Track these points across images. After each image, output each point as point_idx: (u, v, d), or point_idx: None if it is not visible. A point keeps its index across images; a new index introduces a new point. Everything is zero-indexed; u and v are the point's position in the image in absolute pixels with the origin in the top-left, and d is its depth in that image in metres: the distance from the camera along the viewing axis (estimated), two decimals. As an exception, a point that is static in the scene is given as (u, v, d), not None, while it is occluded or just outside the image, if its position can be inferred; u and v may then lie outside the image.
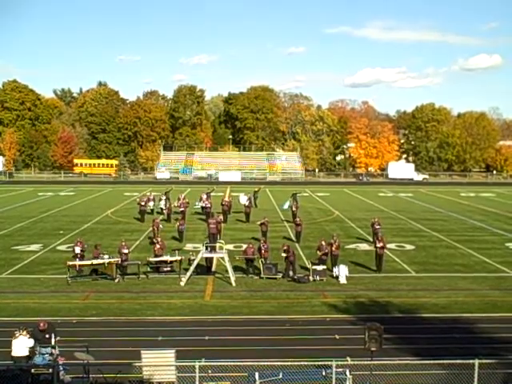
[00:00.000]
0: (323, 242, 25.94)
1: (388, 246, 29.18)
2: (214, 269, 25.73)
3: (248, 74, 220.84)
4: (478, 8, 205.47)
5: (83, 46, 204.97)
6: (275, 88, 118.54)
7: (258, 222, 33.49)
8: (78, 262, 24.55)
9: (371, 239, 32.63)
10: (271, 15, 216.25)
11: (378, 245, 26.00)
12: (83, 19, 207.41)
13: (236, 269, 25.32)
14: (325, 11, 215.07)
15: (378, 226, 31.77)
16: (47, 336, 13.96)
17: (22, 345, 13.69)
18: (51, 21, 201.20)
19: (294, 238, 33.35)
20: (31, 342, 13.69)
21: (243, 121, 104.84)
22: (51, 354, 13.45)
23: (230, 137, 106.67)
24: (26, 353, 13.68)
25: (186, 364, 12.56)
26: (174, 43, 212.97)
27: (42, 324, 14.26)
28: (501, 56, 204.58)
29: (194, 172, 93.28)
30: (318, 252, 25.73)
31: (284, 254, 24.81)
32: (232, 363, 12.53)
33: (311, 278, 24.03)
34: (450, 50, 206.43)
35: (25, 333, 13.84)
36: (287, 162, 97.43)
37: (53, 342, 13.91)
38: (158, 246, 26.17)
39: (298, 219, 33.72)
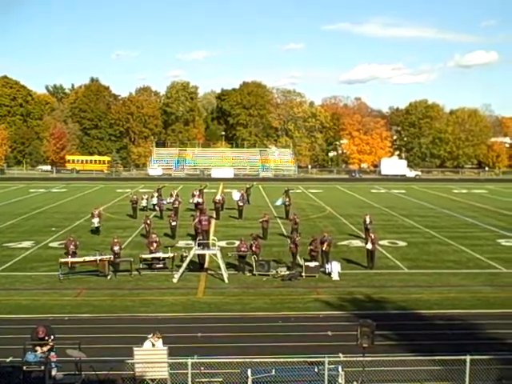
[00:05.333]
0: (315, 239, 26.04)
1: (380, 242, 29.30)
2: (206, 265, 25.71)
3: (245, 70, 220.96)
4: (476, 5, 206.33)
5: (78, 42, 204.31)
6: (270, 84, 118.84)
7: (260, 220, 33.48)
8: (70, 259, 24.48)
9: (363, 236, 32.68)
10: (271, 12, 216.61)
11: (369, 243, 26.02)
12: (79, 15, 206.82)
13: (229, 266, 25.33)
14: (324, 8, 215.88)
15: (369, 224, 31.83)
16: (46, 338, 13.81)
17: None
18: (45, 17, 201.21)
19: (287, 234, 33.26)
20: None
21: (236, 117, 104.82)
22: (44, 352, 13.37)
23: (223, 133, 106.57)
24: None
25: (179, 361, 12.55)
26: (172, 39, 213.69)
27: (40, 332, 13.55)
28: (497, 53, 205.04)
29: (187, 164, 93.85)
30: (309, 247, 25.83)
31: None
32: (225, 360, 12.53)
33: (304, 274, 24.06)
34: (446, 47, 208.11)
35: None
36: (280, 158, 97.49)
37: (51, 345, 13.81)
38: (155, 245, 26.07)
39: (295, 216, 33.28)
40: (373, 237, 26.38)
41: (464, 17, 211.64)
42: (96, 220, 34.27)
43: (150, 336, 13.70)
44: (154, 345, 13.41)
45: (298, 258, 26.05)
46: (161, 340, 13.64)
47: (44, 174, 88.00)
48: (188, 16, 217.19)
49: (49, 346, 13.44)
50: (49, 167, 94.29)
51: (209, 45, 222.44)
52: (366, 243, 26.59)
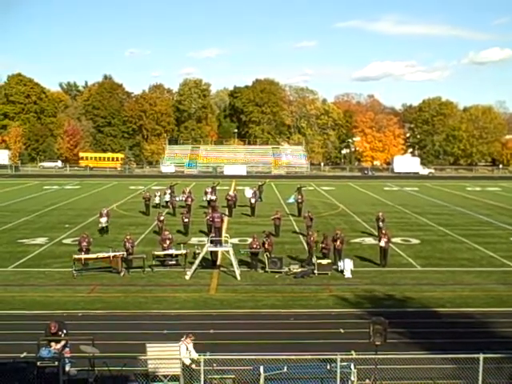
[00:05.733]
0: (327, 236, 26.04)
1: (393, 240, 29.15)
2: (218, 262, 25.76)
3: (257, 68, 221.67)
4: (490, 2, 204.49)
5: (92, 39, 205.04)
6: (283, 81, 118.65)
7: (272, 217, 33.51)
8: (83, 256, 24.64)
9: (376, 233, 32.60)
10: (284, 9, 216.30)
11: (383, 240, 25.89)
12: (93, 13, 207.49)
13: (241, 263, 25.36)
14: (336, 5, 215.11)
15: (381, 222, 31.77)
16: (59, 333, 13.89)
17: None
18: (60, 15, 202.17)
19: (303, 232, 33.13)
20: None
21: (248, 114, 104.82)
22: (57, 348, 13.43)
23: (236, 130, 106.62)
24: None
25: (191, 357, 12.59)
26: (185, 37, 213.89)
27: (53, 327, 13.71)
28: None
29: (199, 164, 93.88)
30: (320, 245, 25.84)
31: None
32: (237, 357, 12.54)
33: (316, 272, 24.03)
34: (461, 44, 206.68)
35: None
36: (292, 156, 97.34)
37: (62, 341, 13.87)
38: (168, 242, 26.19)
39: (309, 213, 33.21)
40: (386, 237, 26.19)
41: (478, 14, 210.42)
42: (104, 220, 33.38)
43: (182, 338, 13.56)
44: (187, 348, 13.27)
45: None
46: (192, 343, 13.53)
47: (50, 171, 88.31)
48: (200, 14, 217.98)
49: (63, 342, 13.54)
50: (52, 164, 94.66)
51: (221, 42, 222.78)
52: (379, 241, 26.47)
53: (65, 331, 13.82)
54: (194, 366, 12.60)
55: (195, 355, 13.07)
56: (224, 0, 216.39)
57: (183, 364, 12.43)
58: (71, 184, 67.14)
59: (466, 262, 26.97)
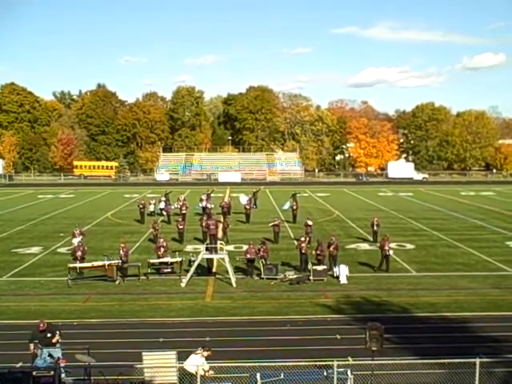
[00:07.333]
0: (321, 242, 26.05)
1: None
2: (214, 270, 25.73)
3: (251, 75, 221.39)
4: (483, 8, 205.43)
5: (86, 48, 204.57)
6: (277, 88, 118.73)
7: (270, 224, 33.52)
8: (78, 265, 24.57)
9: (371, 239, 32.70)
10: (278, 16, 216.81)
11: (387, 247, 25.72)
12: (88, 21, 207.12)
13: (236, 270, 25.34)
14: (331, 12, 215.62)
15: (376, 227, 31.83)
16: (48, 335, 13.94)
17: None
18: (53, 23, 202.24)
19: (297, 238, 33.14)
20: None
21: (242, 121, 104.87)
22: (51, 356, 13.39)
23: (230, 138, 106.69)
24: None
25: (188, 365, 12.55)
26: (181, 44, 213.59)
27: (41, 325, 14.17)
28: (505, 55, 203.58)
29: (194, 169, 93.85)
30: (313, 252, 25.83)
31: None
32: (233, 364, 12.52)
33: (312, 278, 24.04)
34: (454, 49, 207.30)
35: None
36: (286, 162, 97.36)
37: (54, 341, 13.91)
38: (163, 250, 26.14)
39: (308, 221, 33.18)
40: (388, 242, 26.05)
41: (472, 19, 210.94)
42: (76, 240, 29.11)
43: (199, 350, 13.32)
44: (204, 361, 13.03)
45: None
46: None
47: (52, 180, 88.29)
48: (196, 21, 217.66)
49: (54, 340, 13.62)
50: None
51: (217, 49, 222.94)
52: (383, 248, 25.95)
53: (58, 333, 13.92)
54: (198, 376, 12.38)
55: (202, 368, 12.87)
56: (219, 7, 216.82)
57: (196, 375, 12.16)
58: (65, 193, 67.01)
59: (460, 267, 27.03)
